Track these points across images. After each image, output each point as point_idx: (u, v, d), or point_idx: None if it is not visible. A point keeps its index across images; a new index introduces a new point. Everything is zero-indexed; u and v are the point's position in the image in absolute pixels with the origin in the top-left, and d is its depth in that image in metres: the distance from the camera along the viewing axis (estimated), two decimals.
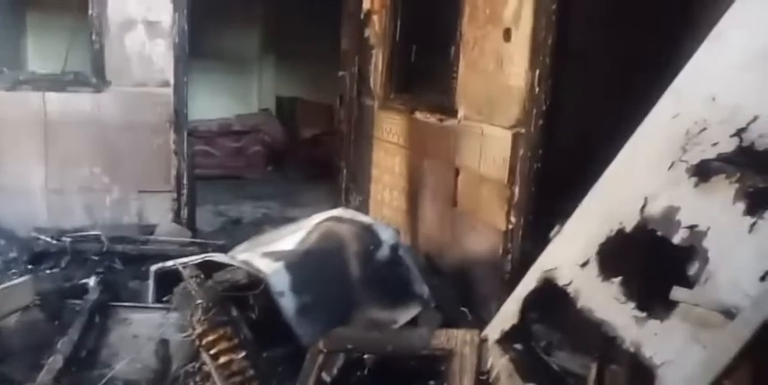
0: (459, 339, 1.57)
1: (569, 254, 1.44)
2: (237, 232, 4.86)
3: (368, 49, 4.13)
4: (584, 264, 1.39)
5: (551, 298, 1.45)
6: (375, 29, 4.04)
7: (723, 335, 1.04)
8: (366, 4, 4.08)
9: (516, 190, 2.79)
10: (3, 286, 2.92)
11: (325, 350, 1.76)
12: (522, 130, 2.69)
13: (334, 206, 4.84)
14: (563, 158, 2.71)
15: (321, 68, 6.84)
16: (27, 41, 6.22)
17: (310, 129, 6.90)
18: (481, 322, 3.04)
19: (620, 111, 2.99)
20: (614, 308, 1.26)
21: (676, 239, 1.22)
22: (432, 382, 2.67)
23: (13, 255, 3.70)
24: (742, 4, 1.24)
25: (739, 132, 1.19)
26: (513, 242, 2.86)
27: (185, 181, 4.14)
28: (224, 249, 3.54)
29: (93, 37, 3.87)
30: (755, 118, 1.17)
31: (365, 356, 2.51)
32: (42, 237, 3.78)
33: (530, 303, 1.50)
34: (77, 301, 3.15)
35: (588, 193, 1.48)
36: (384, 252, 2.68)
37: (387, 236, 2.71)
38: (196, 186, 4.32)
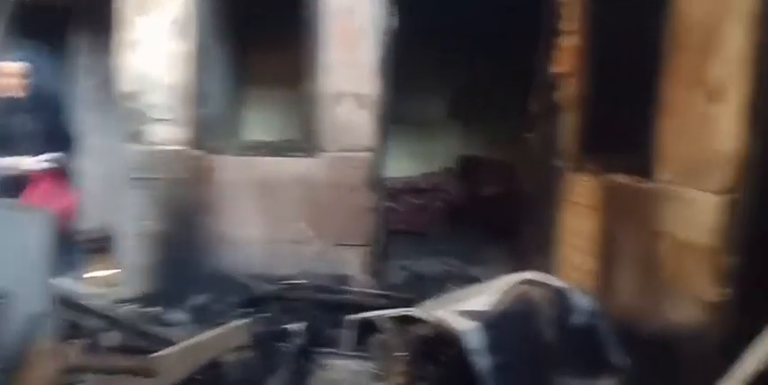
0: None
1: None
2: (421, 287, 5.04)
3: (558, 111, 4.19)
4: None
5: None
6: (566, 91, 4.11)
7: None
8: (557, 68, 4.18)
9: (728, 259, 2.62)
10: (224, 326, 3.34)
11: None
12: (736, 196, 2.55)
13: (517, 266, 4.84)
14: None
15: (502, 128, 7.02)
16: (245, 113, 7.18)
17: (491, 187, 7.02)
18: None
19: None
20: None
21: None
22: None
23: (232, 298, 4.21)
24: None
25: None
26: (723, 315, 2.66)
27: (379, 236, 4.45)
28: (410, 303, 3.71)
29: (308, 109, 4.42)
30: None
31: None
32: (256, 283, 4.27)
33: None
34: (285, 344, 3.48)
35: None
36: (580, 318, 2.65)
37: (583, 302, 2.68)
38: (388, 242, 4.61)
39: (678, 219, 2.95)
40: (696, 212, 2.81)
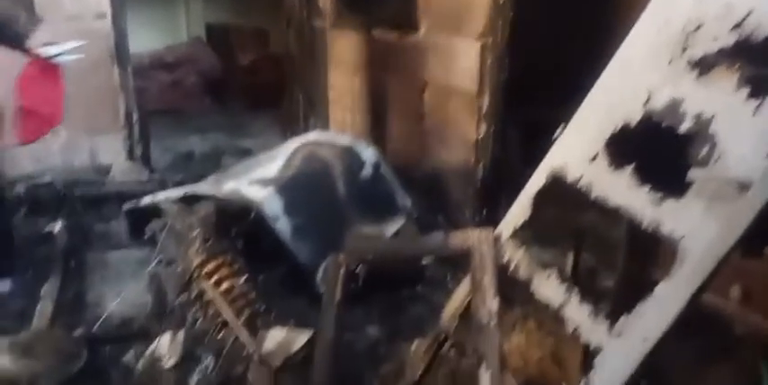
0: (475, 238, 1.69)
1: (576, 150, 1.55)
2: (191, 166, 4.80)
3: None
4: (594, 159, 1.50)
5: (561, 193, 1.58)
6: None
7: (738, 206, 1.19)
8: None
9: (485, 100, 2.87)
10: None
11: (346, 262, 1.85)
12: (489, 40, 2.74)
13: (289, 133, 4.81)
14: (530, 68, 2.80)
15: None
16: None
17: (246, 55, 6.66)
18: (456, 228, 3.21)
19: (588, 21, 3.08)
20: (629, 194, 1.39)
21: (683, 129, 1.34)
22: (419, 287, 2.87)
23: None
24: None
25: (736, 27, 1.30)
26: (483, 150, 2.99)
27: (136, 117, 4.00)
28: (182, 185, 3.51)
29: None
30: (749, 13, 1.28)
31: (357, 270, 2.65)
32: None
33: (540, 200, 1.63)
34: (49, 248, 3.11)
35: (588, 94, 1.58)
36: (367, 171, 2.75)
37: (368, 155, 2.78)
38: (148, 122, 4.18)
39: (441, 67, 3.12)
40: (458, 59, 2.99)
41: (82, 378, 2.19)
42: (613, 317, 1.37)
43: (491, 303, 1.58)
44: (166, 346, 2.38)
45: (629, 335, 1.32)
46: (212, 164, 4.61)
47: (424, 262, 2.94)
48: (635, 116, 1.45)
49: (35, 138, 2.97)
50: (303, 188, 2.58)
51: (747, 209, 1.17)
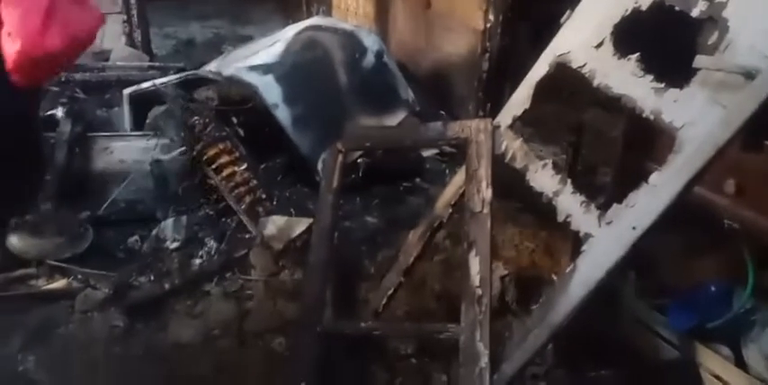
0: (473, 128, 1.67)
1: (582, 37, 1.49)
2: (192, 53, 4.68)
3: None
4: (599, 45, 1.44)
5: (564, 81, 1.53)
6: None
7: (743, 95, 1.15)
8: None
9: None
10: None
11: (344, 149, 1.84)
12: None
13: (291, 20, 4.63)
14: None
15: None
16: None
17: None
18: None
19: None
20: (632, 82, 1.34)
21: (695, 13, 1.27)
22: (417, 179, 2.89)
23: None
24: None
25: None
26: (491, 41, 2.87)
27: (133, 1, 3.84)
28: (184, 71, 3.42)
29: None
30: None
31: (358, 160, 2.65)
32: None
33: (542, 88, 1.58)
34: (50, 134, 3.09)
35: None
36: (369, 59, 2.66)
37: (371, 42, 2.67)
38: (145, 6, 4.02)
39: None
40: None
41: (88, 258, 2.28)
42: (605, 207, 1.38)
43: (485, 192, 1.59)
44: (170, 230, 2.46)
45: (618, 224, 1.34)
46: (213, 51, 4.49)
47: (425, 155, 2.95)
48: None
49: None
50: (303, 76, 2.51)
51: (752, 98, 1.13)
